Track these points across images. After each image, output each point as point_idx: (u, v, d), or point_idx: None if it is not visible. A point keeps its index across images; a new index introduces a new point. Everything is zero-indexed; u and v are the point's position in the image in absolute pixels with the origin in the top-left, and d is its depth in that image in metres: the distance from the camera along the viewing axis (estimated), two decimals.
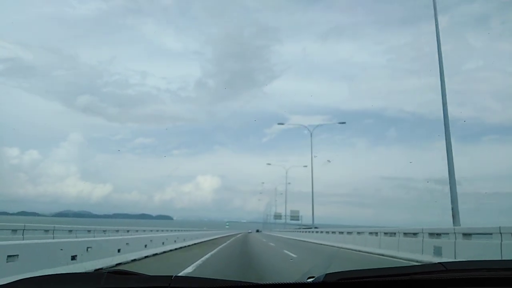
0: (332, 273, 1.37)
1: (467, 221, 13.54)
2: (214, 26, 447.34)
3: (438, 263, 1.38)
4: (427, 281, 1.33)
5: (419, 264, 1.59)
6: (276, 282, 1.32)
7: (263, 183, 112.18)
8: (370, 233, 17.34)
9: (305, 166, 65.04)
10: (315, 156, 66.72)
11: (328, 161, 68.99)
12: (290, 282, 1.35)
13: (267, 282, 1.32)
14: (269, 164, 70.14)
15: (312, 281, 1.39)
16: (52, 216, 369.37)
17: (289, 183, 77.48)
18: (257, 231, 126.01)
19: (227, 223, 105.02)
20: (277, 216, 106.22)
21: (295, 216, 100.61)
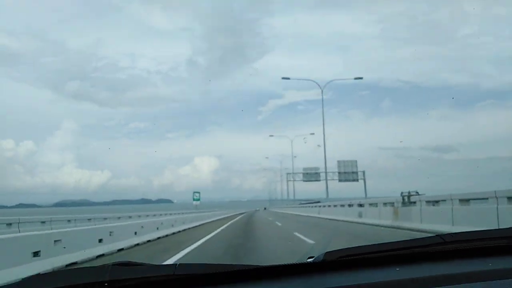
0: (332, 251, 1.34)
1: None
2: (203, 0, 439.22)
3: (436, 235, 1.39)
4: (427, 254, 1.34)
5: (418, 238, 1.46)
6: (277, 263, 1.31)
7: (267, 157, 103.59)
8: None
9: (312, 134, 58.65)
10: (311, 134, 65.74)
11: (318, 145, 63.51)
12: (291, 263, 1.33)
13: (269, 264, 1.30)
14: (271, 135, 67.14)
15: (312, 260, 1.37)
16: (51, 206, 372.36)
17: (295, 156, 68.66)
18: (265, 209, 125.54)
19: (196, 195, 52.08)
20: (311, 174, 65.30)
21: (349, 173, 60.33)
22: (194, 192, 51.27)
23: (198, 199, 50.88)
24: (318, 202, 66.76)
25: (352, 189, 71.03)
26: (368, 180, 63.89)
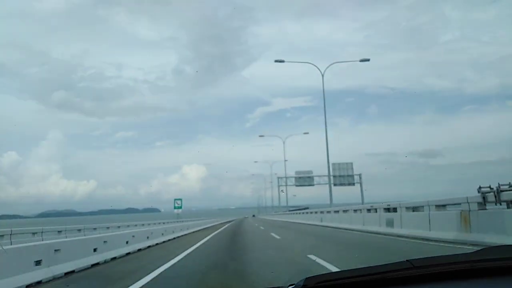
0: (311, 277, 1.39)
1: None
2: (188, 9, 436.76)
3: (406, 260, 1.43)
4: (397, 279, 1.41)
5: (389, 263, 1.40)
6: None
7: (256, 162, 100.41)
8: None
9: (306, 133, 57.44)
10: (305, 133, 61.10)
11: (306, 133, 57.96)
12: None
13: None
14: (262, 136, 61.55)
15: (294, 287, 1.44)
16: (35, 217, 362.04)
17: (286, 160, 62.55)
18: (253, 216, 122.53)
19: (178, 202, 40.43)
20: (303, 178, 59.55)
21: (345, 177, 55.27)
22: (175, 200, 44.26)
23: (180, 207, 43.97)
24: (307, 208, 61.09)
25: (346, 194, 65.67)
26: (336, 191, 58.38)
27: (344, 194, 65.29)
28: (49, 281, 7.41)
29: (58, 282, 7.36)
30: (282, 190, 63.00)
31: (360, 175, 57.77)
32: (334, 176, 55.98)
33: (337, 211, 23.33)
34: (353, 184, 56.82)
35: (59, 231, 17.59)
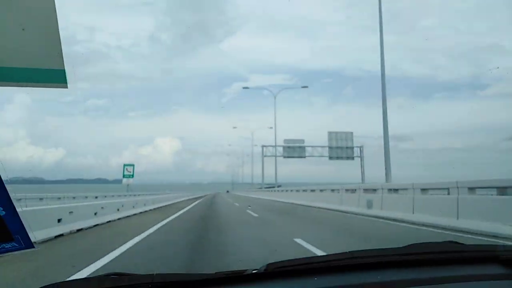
0: (273, 263, 1.46)
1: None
2: None
3: (349, 252, 1.54)
4: (339, 267, 1.53)
5: (334, 253, 1.56)
6: (226, 270, 1.45)
7: (235, 127, 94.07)
8: None
9: (305, 87, 52.59)
10: (304, 87, 51.80)
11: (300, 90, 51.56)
12: (237, 270, 1.47)
13: (220, 271, 1.48)
14: (246, 87, 52.78)
15: (257, 271, 1.48)
16: None
17: (271, 127, 50.19)
18: (227, 192, 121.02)
19: (128, 169, 32.61)
20: (293, 148, 49.51)
21: (343, 149, 46.53)
22: (125, 165, 32.14)
23: (131, 176, 32.26)
24: (279, 186, 51.78)
25: (342, 171, 57.02)
26: (331, 166, 49.57)
27: (339, 170, 56.72)
28: None
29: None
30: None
31: (361, 147, 48.10)
32: (330, 148, 46.55)
33: (393, 190, 12.83)
34: (352, 158, 47.23)
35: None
